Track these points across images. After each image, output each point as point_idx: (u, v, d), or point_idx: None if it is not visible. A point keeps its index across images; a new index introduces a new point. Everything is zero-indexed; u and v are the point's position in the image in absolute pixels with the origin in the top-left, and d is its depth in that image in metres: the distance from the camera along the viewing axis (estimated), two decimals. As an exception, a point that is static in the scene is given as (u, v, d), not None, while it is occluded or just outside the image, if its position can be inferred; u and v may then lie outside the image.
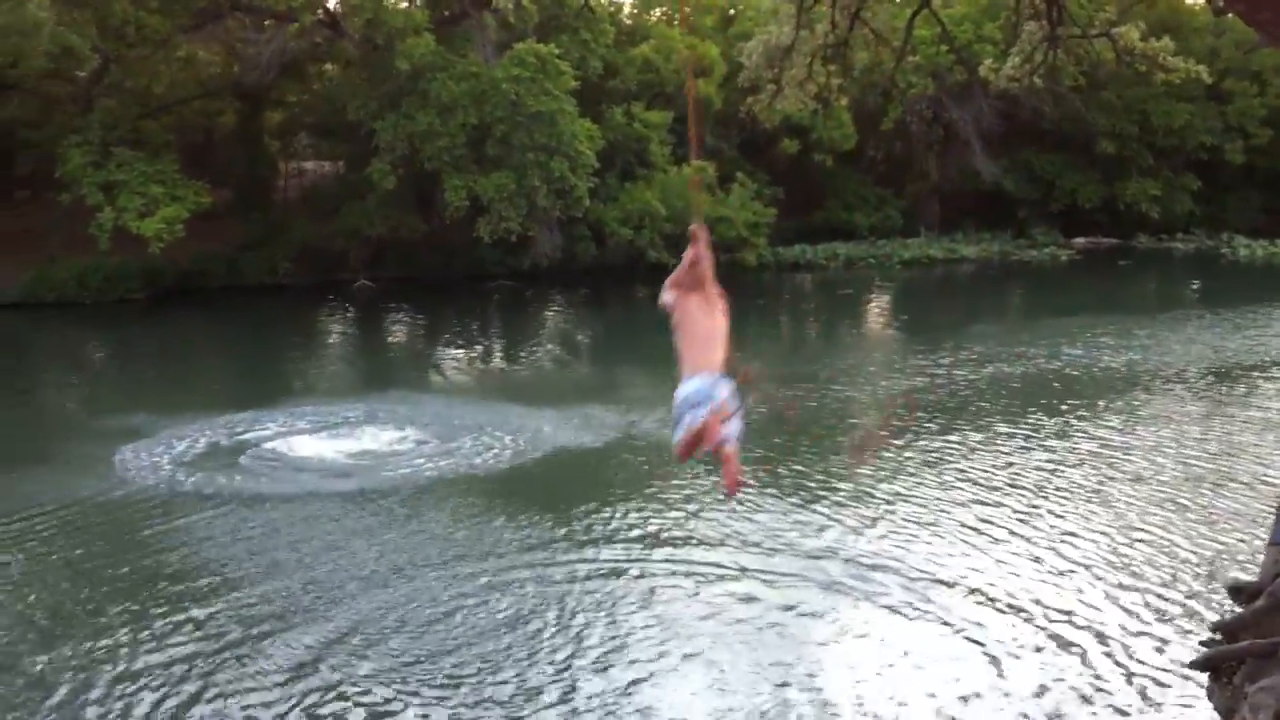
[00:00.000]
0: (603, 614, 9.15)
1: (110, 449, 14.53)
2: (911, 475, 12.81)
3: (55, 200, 31.17)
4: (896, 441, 14.31)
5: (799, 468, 13.23)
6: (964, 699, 7.73)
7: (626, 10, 42.97)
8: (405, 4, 34.34)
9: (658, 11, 43.23)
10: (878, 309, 32.16)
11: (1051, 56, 21.41)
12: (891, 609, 9.12)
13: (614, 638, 8.70)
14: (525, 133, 30.60)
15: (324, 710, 7.79)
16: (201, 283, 32.13)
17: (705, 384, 5.51)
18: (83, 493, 12.68)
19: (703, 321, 5.94)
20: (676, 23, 39.50)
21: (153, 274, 30.99)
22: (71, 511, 12.05)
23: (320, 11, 32.15)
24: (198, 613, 9.36)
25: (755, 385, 10.20)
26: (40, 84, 32.65)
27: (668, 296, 6.03)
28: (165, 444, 14.79)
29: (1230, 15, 29.72)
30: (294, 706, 7.82)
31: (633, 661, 8.32)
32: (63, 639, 8.88)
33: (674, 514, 11.56)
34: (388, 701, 7.84)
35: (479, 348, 25.16)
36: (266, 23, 33.22)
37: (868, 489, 12.31)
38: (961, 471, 12.84)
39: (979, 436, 14.56)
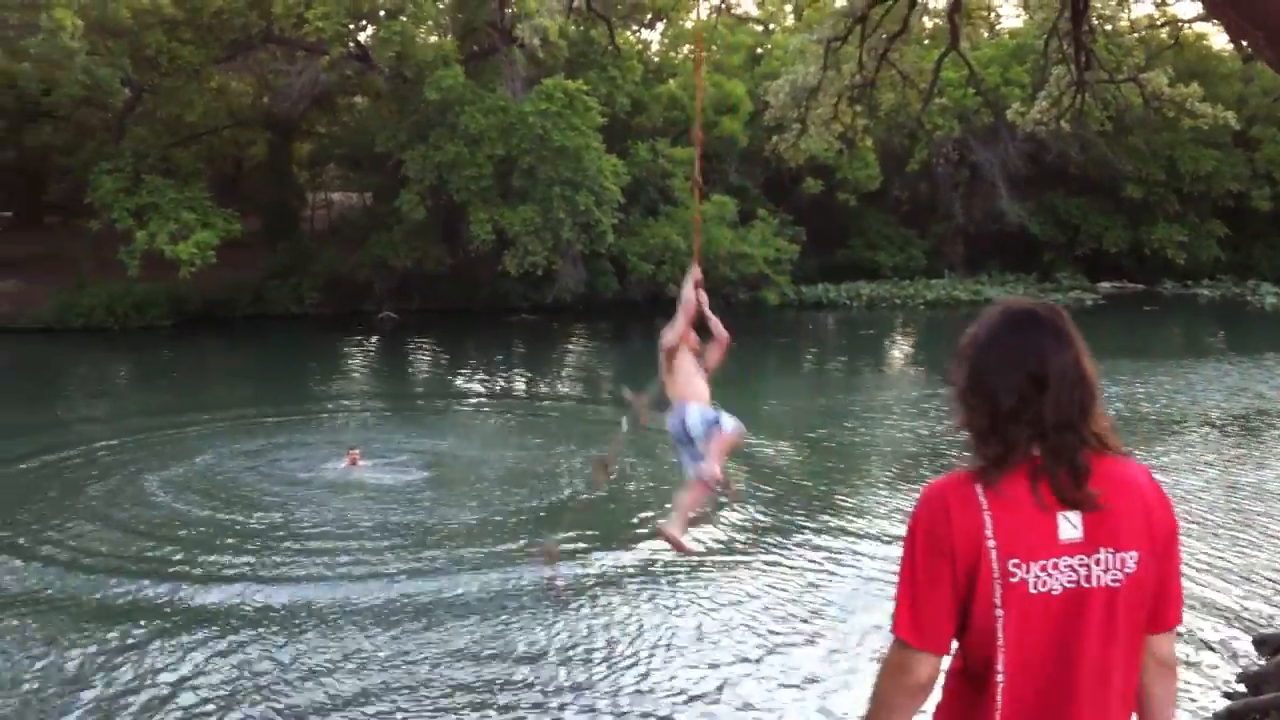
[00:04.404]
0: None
1: (125, 482, 14.62)
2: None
3: (85, 226, 31.49)
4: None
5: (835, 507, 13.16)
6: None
7: (654, 48, 43.30)
8: (435, 38, 34.67)
9: (685, 49, 43.51)
10: (901, 350, 32.10)
11: (1079, 101, 21.45)
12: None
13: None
14: (551, 166, 30.80)
15: None
16: (227, 311, 32.34)
17: (708, 410, 6.97)
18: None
19: (692, 361, 7.19)
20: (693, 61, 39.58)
21: (180, 301, 31.24)
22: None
23: (351, 44, 32.46)
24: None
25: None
26: (73, 112, 33.04)
27: (670, 338, 7.10)
28: (179, 472, 14.88)
29: (1259, 63, 29.73)
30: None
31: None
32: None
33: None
34: None
35: (500, 381, 25.19)
36: (298, 54, 33.57)
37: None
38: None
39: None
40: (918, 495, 2.54)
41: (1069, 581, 2.48)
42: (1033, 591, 2.47)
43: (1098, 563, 2.50)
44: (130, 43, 30.74)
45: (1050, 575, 2.48)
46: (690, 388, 7.08)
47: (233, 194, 36.81)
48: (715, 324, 7.40)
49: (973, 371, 2.59)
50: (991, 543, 2.46)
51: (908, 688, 2.55)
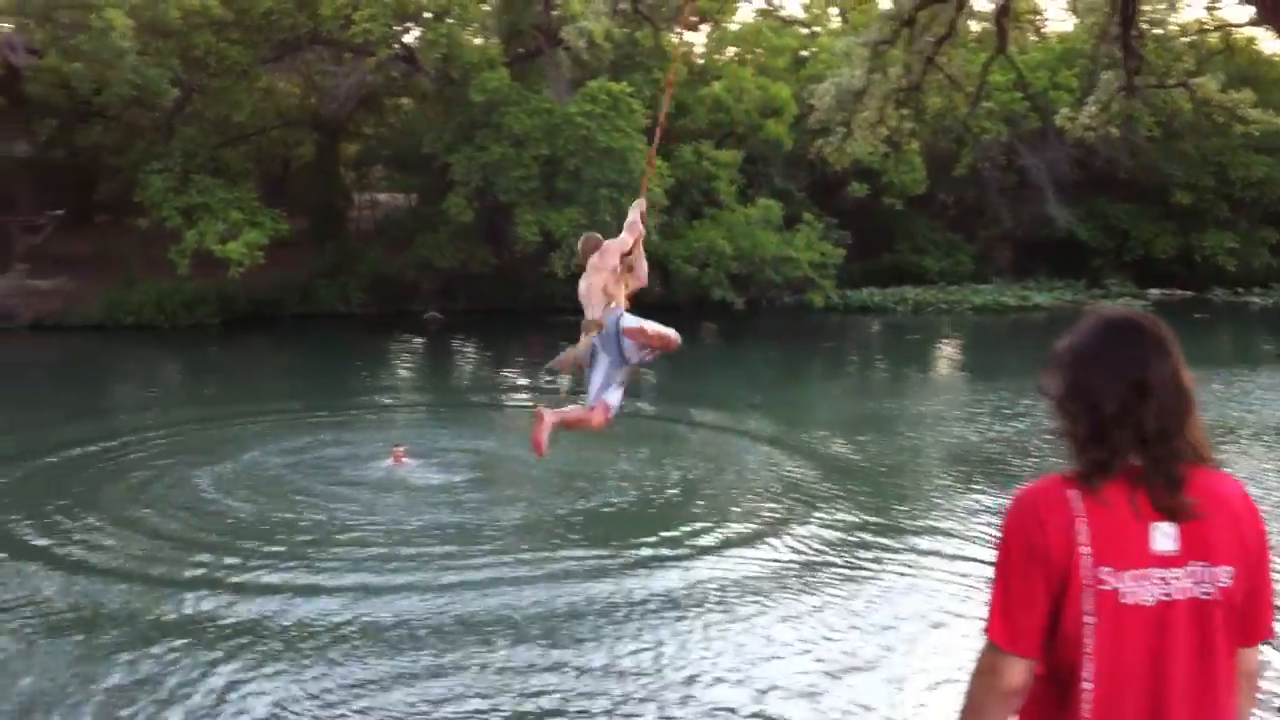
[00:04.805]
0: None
1: (178, 472, 14.76)
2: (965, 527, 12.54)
3: (134, 225, 31.85)
4: (962, 495, 14.09)
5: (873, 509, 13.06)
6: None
7: (698, 49, 43.27)
8: (480, 40, 34.80)
9: (730, 51, 43.43)
10: (949, 355, 31.87)
11: (1128, 106, 21.26)
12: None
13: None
14: (597, 168, 30.84)
15: None
16: (275, 310, 32.59)
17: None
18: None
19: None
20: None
21: (228, 300, 31.52)
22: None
23: (397, 46, 32.65)
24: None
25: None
26: (123, 111, 33.41)
27: (629, 239, 7.71)
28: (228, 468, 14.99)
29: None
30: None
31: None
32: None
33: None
34: None
35: (543, 381, 25.19)
36: (345, 56, 33.81)
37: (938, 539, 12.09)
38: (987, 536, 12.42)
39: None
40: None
41: (1161, 594, 2.50)
42: (1124, 601, 2.50)
43: (1190, 575, 2.52)
44: (179, 43, 31.06)
45: (1141, 586, 2.50)
46: (621, 298, 7.55)
47: (280, 194, 37.11)
48: (642, 265, 7.85)
49: (1073, 379, 2.62)
50: (1085, 549, 2.49)
51: (998, 691, 2.58)
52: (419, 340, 31.03)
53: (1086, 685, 2.51)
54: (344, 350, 29.19)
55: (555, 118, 31.21)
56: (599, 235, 8.00)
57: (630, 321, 7.47)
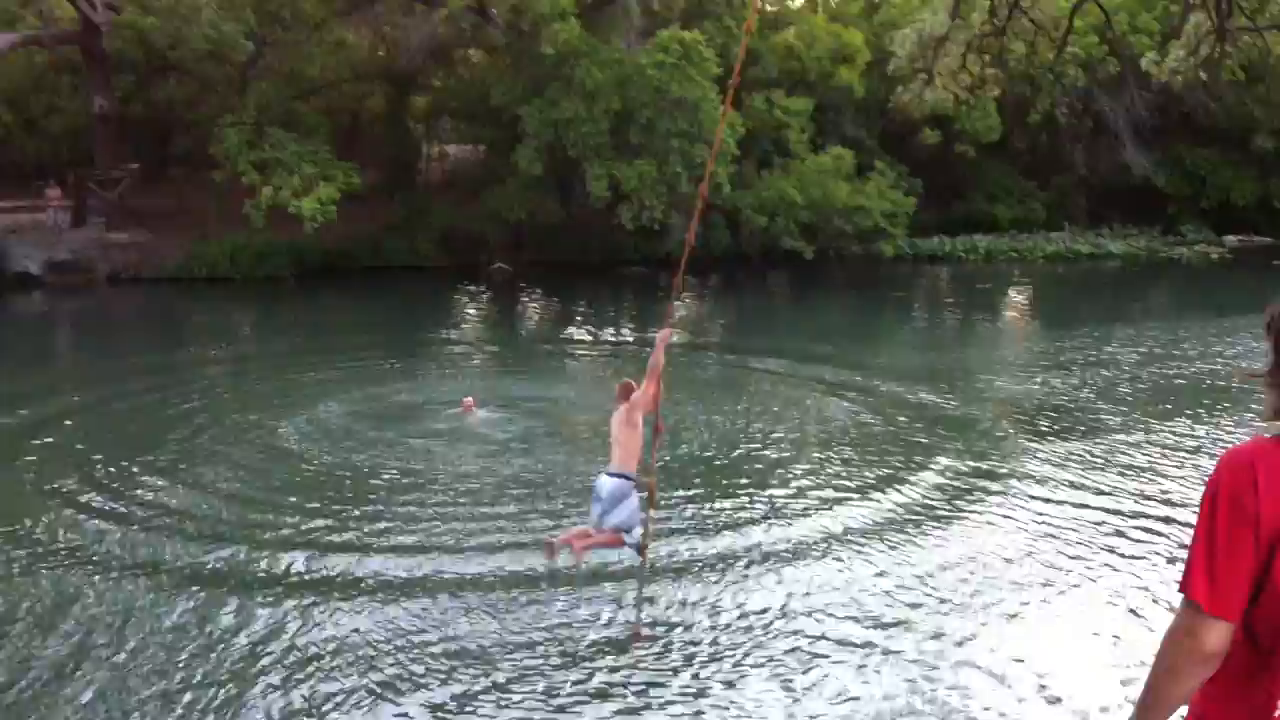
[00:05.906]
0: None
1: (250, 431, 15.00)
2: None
3: (209, 178, 32.20)
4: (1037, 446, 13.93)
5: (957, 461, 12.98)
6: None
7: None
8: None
9: (800, -1, 42.88)
10: (1018, 304, 31.46)
11: (1218, 49, 20.70)
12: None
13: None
14: (669, 119, 30.63)
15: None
16: (346, 263, 32.83)
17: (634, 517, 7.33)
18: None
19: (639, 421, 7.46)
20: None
21: (300, 253, 31.82)
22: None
23: (468, -3, 32.56)
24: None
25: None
26: (198, 66, 33.70)
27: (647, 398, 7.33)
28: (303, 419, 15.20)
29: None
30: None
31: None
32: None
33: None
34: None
35: (609, 332, 25.26)
36: (416, 8, 33.82)
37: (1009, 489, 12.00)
38: (1086, 483, 12.25)
39: (1130, 440, 14.06)
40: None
41: None
42: None
43: None
44: (255, -4, 31.28)
45: None
46: (632, 453, 7.30)
47: (350, 147, 37.31)
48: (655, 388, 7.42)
49: None
50: None
51: (1196, 655, 2.47)
52: (487, 292, 31.17)
53: None
54: (414, 302, 29.41)
55: (626, 68, 31.02)
56: (633, 384, 7.61)
57: (618, 516, 7.26)
